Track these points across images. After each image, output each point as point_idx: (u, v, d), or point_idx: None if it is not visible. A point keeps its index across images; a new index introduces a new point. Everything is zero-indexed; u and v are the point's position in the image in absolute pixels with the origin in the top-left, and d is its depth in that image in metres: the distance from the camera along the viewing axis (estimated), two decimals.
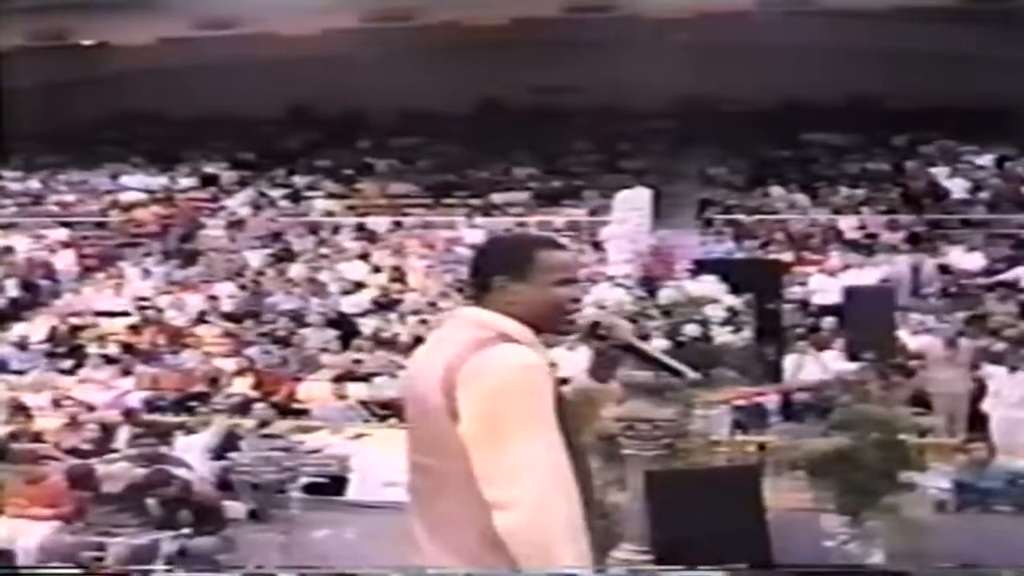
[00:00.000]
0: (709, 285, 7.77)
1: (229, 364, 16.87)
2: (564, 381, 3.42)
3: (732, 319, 7.76)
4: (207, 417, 13.86)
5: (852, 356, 13.38)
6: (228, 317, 19.14)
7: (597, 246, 18.29)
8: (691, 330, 7.31)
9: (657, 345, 6.62)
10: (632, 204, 12.73)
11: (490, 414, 2.93)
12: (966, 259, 19.92)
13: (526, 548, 2.85)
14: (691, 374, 3.53)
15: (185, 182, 26.15)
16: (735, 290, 8.06)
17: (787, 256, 19.25)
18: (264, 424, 12.98)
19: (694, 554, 6.49)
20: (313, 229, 23.27)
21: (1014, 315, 17.45)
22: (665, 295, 7.60)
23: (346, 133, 27.59)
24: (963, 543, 8.38)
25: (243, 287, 20.42)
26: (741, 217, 22.32)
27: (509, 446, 2.89)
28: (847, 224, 21.72)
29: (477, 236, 21.80)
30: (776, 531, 7.10)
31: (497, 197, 24.18)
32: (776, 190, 23.55)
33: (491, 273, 3.19)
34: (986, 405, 14.19)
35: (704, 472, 7.80)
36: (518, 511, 2.86)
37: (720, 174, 24.78)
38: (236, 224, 23.64)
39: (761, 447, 11.86)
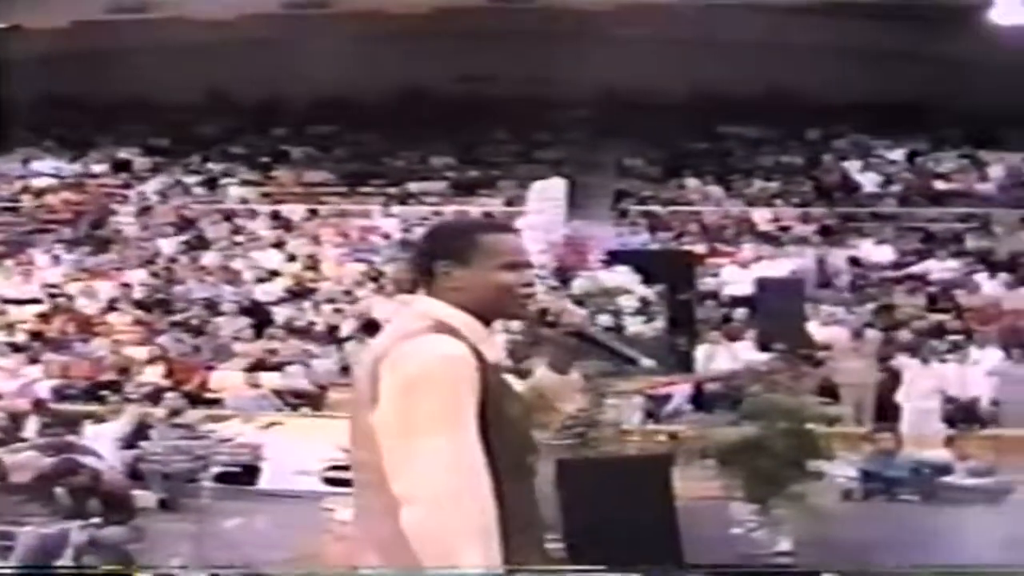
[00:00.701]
0: (623, 275, 7.85)
1: (141, 352, 16.70)
2: (522, 373, 3.37)
3: (645, 309, 7.85)
4: (117, 406, 13.72)
5: (763, 346, 13.57)
6: (140, 305, 18.92)
7: None
8: (604, 320, 7.37)
9: None
10: (548, 194, 12.82)
11: (401, 404, 2.86)
12: (876, 252, 20.24)
13: (425, 545, 2.77)
14: (645, 362, 3.46)
15: (97, 168, 25.79)
16: (648, 281, 8.15)
17: (700, 247, 19.42)
18: (176, 413, 12.87)
19: (604, 542, 6.55)
20: (227, 216, 23.07)
21: (922, 307, 17.78)
22: (579, 285, 7.66)
23: (262, 120, 27.34)
24: (868, 531, 8.55)
25: (155, 275, 20.19)
26: (656, 208, 22.48)
27: (416, 439, 2.81)
28: (760, 216, 21.97)
29: (392, 225, 21.80)
30: (686, 519, 7.18)
31: (413, 186, 24.13)
32: (691, 182, 23.74)
33: (434, 259, 3.08)
34: (899, 396, 14.46)
35: (615, 461, 7.86)
36: (417, 506, 2.78)
37: (636, 165, 24.91)
38: (148, 211, 23.37)
39: (672, 436, 11.98)
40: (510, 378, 3.29)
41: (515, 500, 2.97)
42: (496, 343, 3.14)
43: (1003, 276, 18.81)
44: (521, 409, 3.15)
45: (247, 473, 11.92)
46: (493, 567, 2.78)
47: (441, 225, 3.53)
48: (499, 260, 3.07)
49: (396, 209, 22.77)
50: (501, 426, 2.96)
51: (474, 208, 22.26)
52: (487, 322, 3.08)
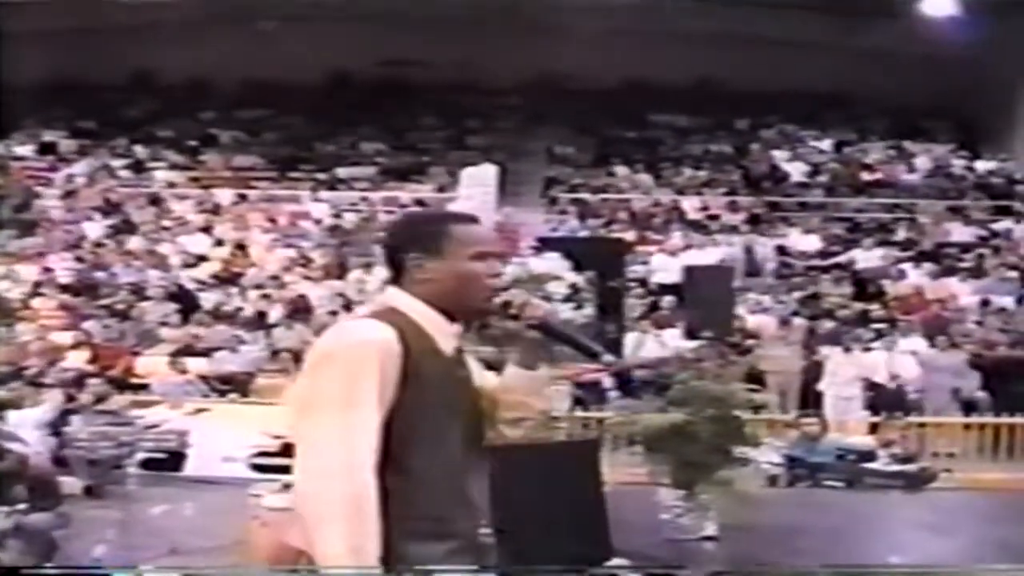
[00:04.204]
0: (552, 262, 7.87)
1: (65, 337, 16.48)
2: (494, 368, 3.35)
3: (574, 296, 7.88)
4: (41, 391, 13.52)
5: (691, 334, 13.65)
6: (65, 289, 18.67)
7: None
8: None
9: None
10: (478, 181, 12.74)
11: (305, 381, 2.94)
12: (803, 241, 20.43)
13: (302, 517, 2.84)
14: (607, 356, 3.46)
15: (22, 150, 25.38)
16: (578, 268, 8.17)
17: (630, 235, 19.48)
18: (101, 399, 12.72)
19: (533, 527, 6.56)
20: (154, 200, 22.80)
21: (848, 296, 17.98)
22: (509, 271, 7.65)
23: (190, 103, 27.02)
24: (793, 516, 8.65)
25: (80, 259, 19.93)
26: (586, 196, 22.54)
27: (309, 415, 2.88)
28: (689, 205, 22.09)
29: (322, 210, 21.69)
30: (613, 504, 7.21)
31: (343, 172, 24.01)
32: (621, 170, 23.82)
33: (404, 250, 3.09)
34: (822, 384, 14.62)
35: (544, 447, 7.88)
36: (296, 481, 2.87)
37: (567, 153, 24.96)
38: (73, 194, 23.05)
39: (600, 422, 12.05)
40: (485, 372, 3.29)
41: (446, 485, 3.01)
42: (453, 335, 3.12)
43: (928, 266, 19.07)
44: (473, 402, 3.16)
45: (173, 459, 11.79)
46: (359, 551, 2.79)
47: (409, 217, 3.56)
48: (470, 250, 3.08)
49: (325, 194, 22.66)
50: (447, 413, 3.01)
51: (405, 194, 22.21)
52: (452, 318, 3.09)
